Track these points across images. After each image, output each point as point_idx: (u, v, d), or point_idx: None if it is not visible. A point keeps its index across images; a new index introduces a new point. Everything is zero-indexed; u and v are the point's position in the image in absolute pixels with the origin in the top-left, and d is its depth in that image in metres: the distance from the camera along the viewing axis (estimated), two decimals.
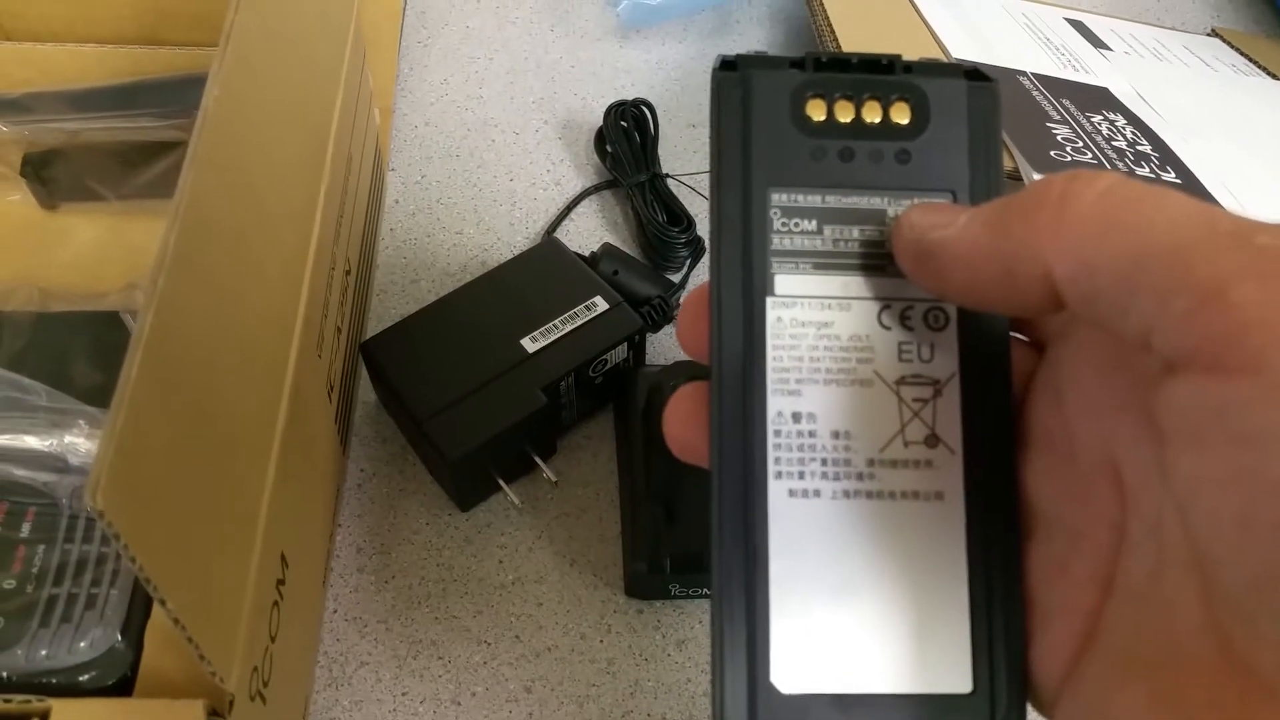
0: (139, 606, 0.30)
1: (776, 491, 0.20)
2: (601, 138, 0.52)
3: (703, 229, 0.50)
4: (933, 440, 0.21)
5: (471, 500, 0.41)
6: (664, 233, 0.48)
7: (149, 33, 0.44)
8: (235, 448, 0.28)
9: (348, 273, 0.40)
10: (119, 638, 0.30)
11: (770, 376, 0.21)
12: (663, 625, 0.40)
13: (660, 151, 0.53)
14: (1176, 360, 0.15)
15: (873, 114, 0.21)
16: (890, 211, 0.21)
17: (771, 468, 0.20)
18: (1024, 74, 0.47)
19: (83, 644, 0.30)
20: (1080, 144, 0.41)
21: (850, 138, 0.21)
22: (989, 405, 0.21)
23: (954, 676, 0.20)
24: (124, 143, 0.44)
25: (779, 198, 0.21)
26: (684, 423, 0.21)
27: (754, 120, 0.21)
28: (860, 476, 0.20)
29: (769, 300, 0.21)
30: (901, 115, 0.21)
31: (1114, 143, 0.42)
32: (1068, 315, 0.18)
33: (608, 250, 0.47)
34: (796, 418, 0.21)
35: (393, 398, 0.40)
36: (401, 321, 0.42)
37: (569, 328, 0.42)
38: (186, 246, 0.26)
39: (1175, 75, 0.52)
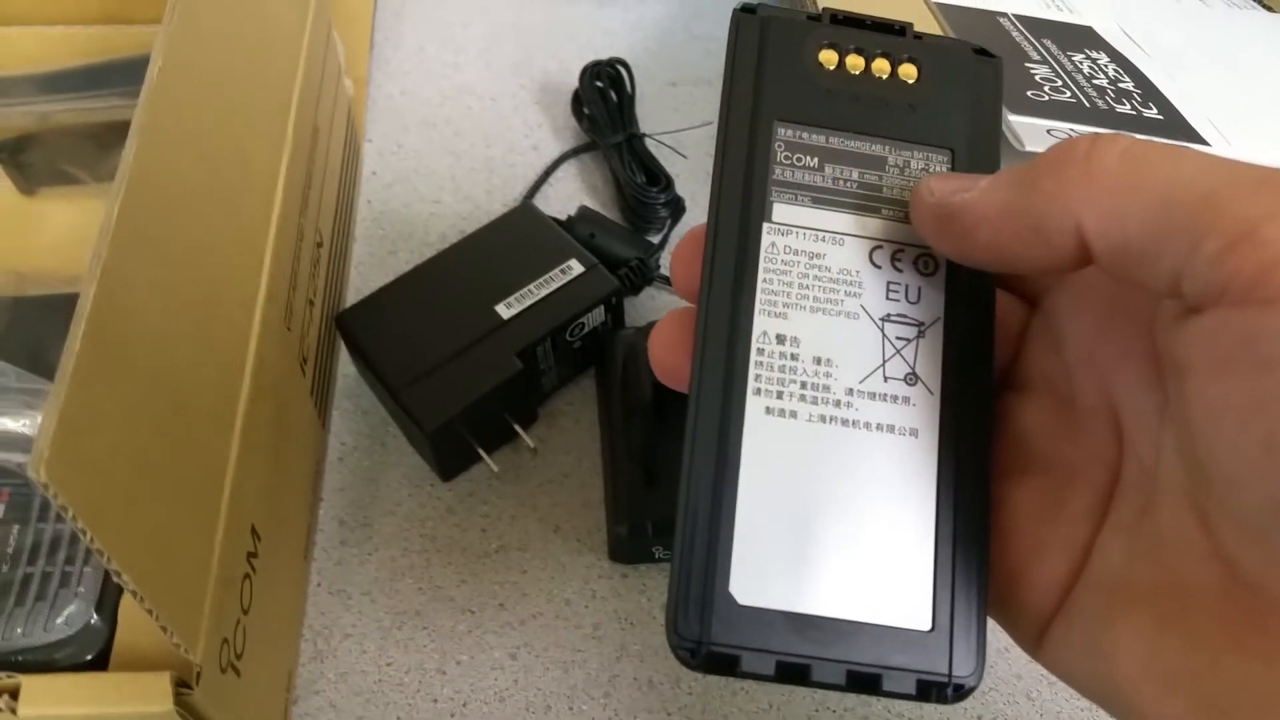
0: (113, 583, 0.30)
1: (754, 407, 0.20)
2: (578, 100, 0.51)
3: (683, 188, 0.49)
4: (912, 378, 0.21)
5: (452, 470, 0.41)
6: (642, 194, 0.48)
7: (115, 11, 0.43)
8: (193, 420, 0.28)
9: (319, 245, 0.40)
10: (94, 614, 0.30)
11: (759, 298, 0.21)
12: (648, 589, 0.39)
13: (639, 111, 0.52)
14: (1205, 299, 0.16)
15: (881, 70, 0.22)
16: (891, 159, 0.22)
17: (751, 384, 0.21)
18: (1004, 15, 0.46)
19: (58, 621, 0.30)
20: (1059, 83, 0.40)
21: (858, 87, 0.22)
22: (970, 351, 0.21)
23: (913, 612, 0.20)
24: (97, 124, 0.44)
25: (784, 131, 0.22)
26: (668, 346, 0.22)
27: (767, 59, 0.22)
28: (838, 404, 0.21)
29: (765, 225, 0.22)
30: (909, 75, 0.22)
31: (1094, 80, 0.41)
32: (1089, 270, 0.19)
33: (584, 213, 0.46)
34: (781, 339, 0.21)
35: (369, 369, 0.40)
36: (375, 292, 0.41)
37: (544, 292, 0.41)
38: (131, 219, 0.26)
39: (1164, 11, 0.51)
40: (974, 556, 0.20)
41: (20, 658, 0.29)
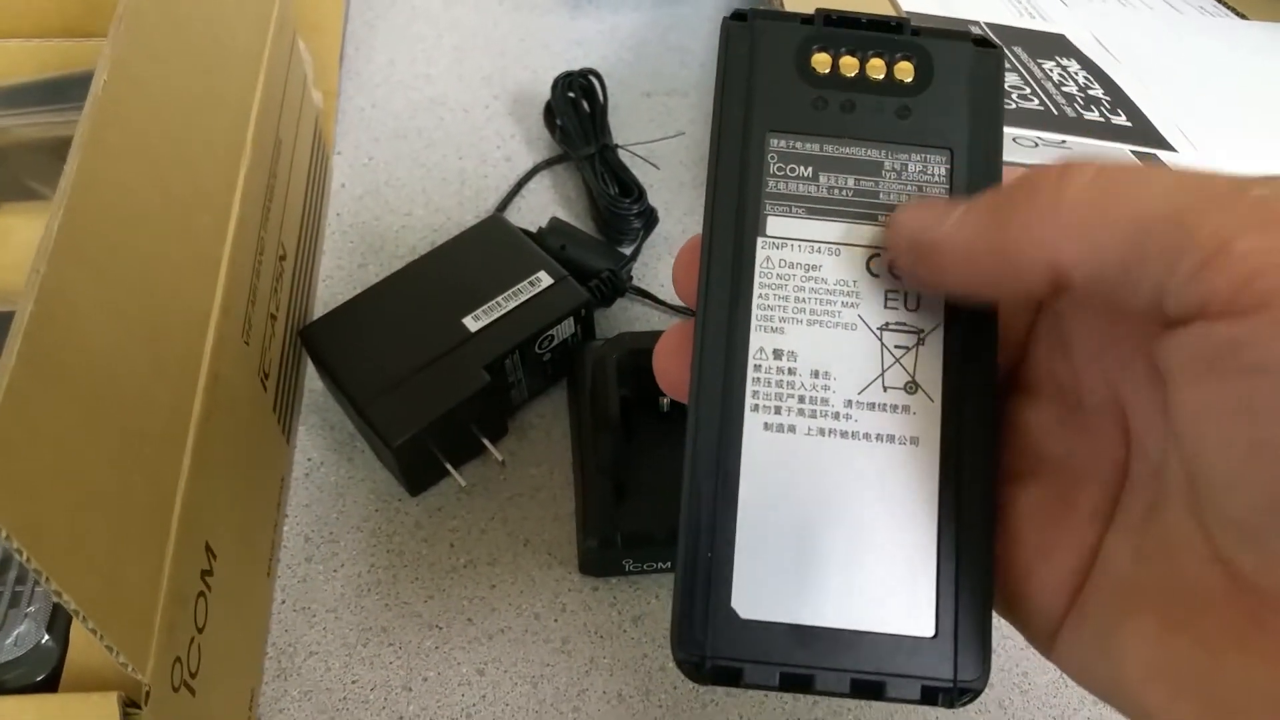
0: None
1: (752, 423, 0.21)
2: (550, 111, 0.51)
3: (656, 198, 0.49)
4: (912, 387, 0.21)
5: (421, 484, 0.41)
6: (615, 204, 0.47)
7: (75, 25, 0.43)
8: (141, 438, 0.27)
9: (282, 258, 0.40)
10: (45, 634, 0.29)
11: (755, 314, 0.21)
12: (618, 601, 0.39)
13: (613, 122, 0.52)
14: (1188, 314, 0.16)
15: (876, 70, 0.22)
16: (887, 164, 0.22)
17: (749, 400, 0.21)
18: (976, 24, 0.46)
19: (8, 642, 0.29)
20: (1028, 91, 0.40)
21: (852, 90, 0.22)
22: (972, 357, 0.21)
23: (916, 619, 0.20)
24: (59, 138, 0.44)
25: (777, 143, 0.22)
26: (673, 359, 0.22)
27: (758, 69, 0.22)
28: (836, 415, 0.21)
29: (760, 240, 0.21)
30: (905, 74, 0.22)
31: (1064, 88, 0.41)
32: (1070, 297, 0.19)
33: (555, 225, 0.46)
34: (778, 354, 0.21)
35: (334, 384, 0.40)
36: (340, 306, 0.41)
37: (512, 305, 0.41)
38: (72, 235, 0.25)
39: (1137, 19, 0.51)
40: (977, 561, 0.20)
41: None
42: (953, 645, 0.20)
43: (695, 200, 0.51)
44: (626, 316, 0.47)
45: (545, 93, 0.52)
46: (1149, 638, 0.18)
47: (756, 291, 0.21)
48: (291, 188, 0.42)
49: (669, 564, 0.39)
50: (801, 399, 0.21)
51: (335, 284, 0.47)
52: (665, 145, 0.52)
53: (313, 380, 0.44)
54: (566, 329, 0.42)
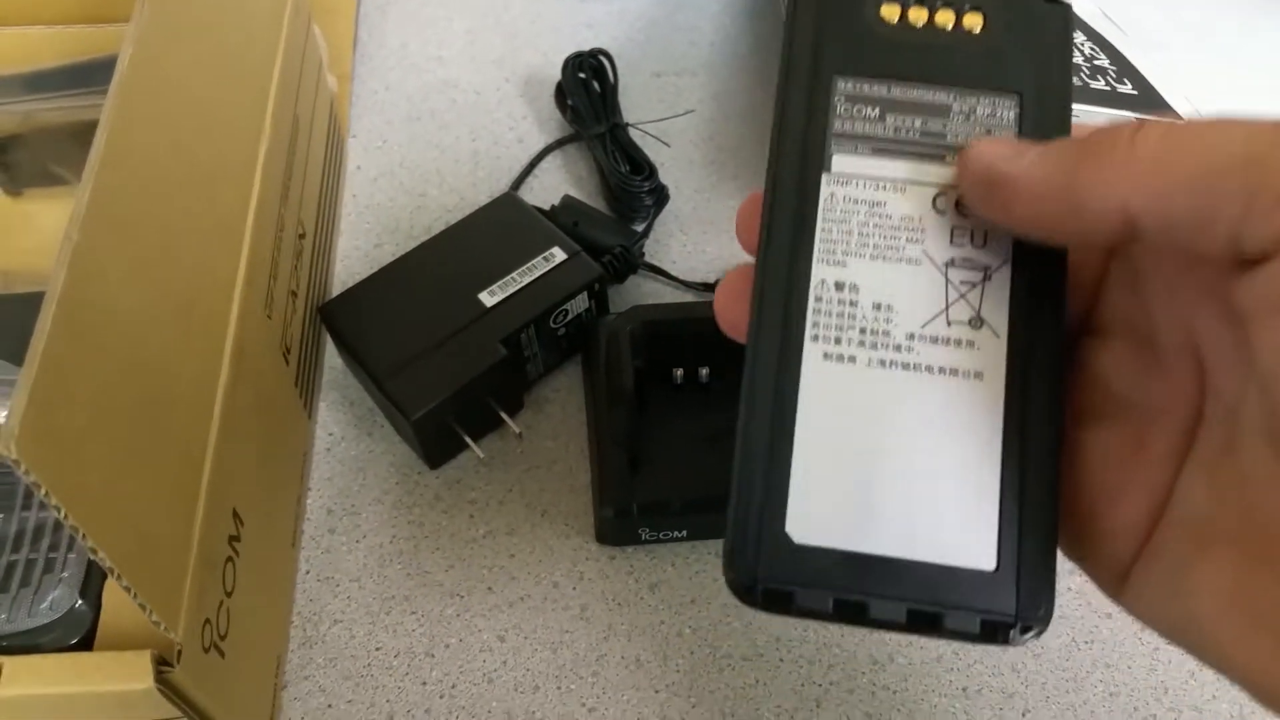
0: (97, 568, 0.31)
1: (811, 353, 0.21)
2: (561, 91, 0.52)
3: (667, 176, 0.50)
4: (977, 322, 0.21)
5: (440, 457, 0.42)
6: (626, 182, 0.48)
7: (95, 12, 0.44)
8: (170, 402, 0.28)
9: (301, 236, 0.40)
10: (78, 598, 0.30)
11: (818, 247, 0.21)
12: (635, 570, 0.40)
13: (624, 102, 0.52)
14: (1267, 252, 0.16)
15: (946, 20, 0.22)
16: (956, 107, 0.22)
17: (809, 330, 0.21)
18: None
19: (43, 606, 0.30)
20: None
21: (922, 38, 0.22)
22: (1041, 295, 0.21)
23: (977, 552, 0.20)
24: (82, 123, 0.45)
25: (844, 85, 0.22)
26: (731, 297, 0.22)
27: (826, 16, 0.22)
28: (898, 348, 0.21)
29: (824, 176, 0.22)
30: (974, 24, 0.22)
31: None
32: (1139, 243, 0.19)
33: (567, 203, 0.47)
34: (839, 286, 0.21)
35: (354, 359, 0.41)
36: (359, 284, 0.42)
37: (527, 280, 0.41)
38: (103, 204, 0.26)
39: None
40: (1042, 496, 0.20)
41: (5, 643, 0.30)
42: (1014, 579, 0.19)
43: (706, 178, 0.51)
44: (639, 293, 0.47)
45: (556, 74, 0.52)
46: (1226, 572, 0.18)
47: (820, 225, 0.21)
48: (309, 168, 0.42)
49: (685, 533, 0.40)
50: (863, 330, 0.21)
51: (352, 263, 0.47)
52: (675, 124, 0.53)
53: (332, 358, 0.44)
54: (581, 304, 0.42)
